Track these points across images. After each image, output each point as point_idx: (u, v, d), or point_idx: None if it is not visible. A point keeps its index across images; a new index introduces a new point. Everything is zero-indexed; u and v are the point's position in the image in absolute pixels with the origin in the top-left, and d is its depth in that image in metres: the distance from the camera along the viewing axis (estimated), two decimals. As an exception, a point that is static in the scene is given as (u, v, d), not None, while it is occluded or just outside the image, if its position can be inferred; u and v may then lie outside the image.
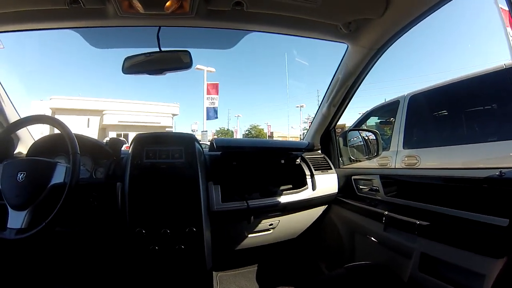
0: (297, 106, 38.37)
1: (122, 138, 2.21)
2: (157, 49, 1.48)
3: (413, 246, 1.31)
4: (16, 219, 1.17)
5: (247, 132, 44.32)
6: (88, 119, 23.87)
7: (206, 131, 19.18)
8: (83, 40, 1.55)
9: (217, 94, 19.12)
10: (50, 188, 1.22)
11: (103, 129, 23.81)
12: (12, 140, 1.65)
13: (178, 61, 1.50)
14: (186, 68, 1.50)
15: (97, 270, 1.80)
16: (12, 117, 1.69)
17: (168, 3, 1.18)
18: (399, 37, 1.44)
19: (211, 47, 1.98)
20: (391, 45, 1.51)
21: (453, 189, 1.29)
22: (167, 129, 24.07)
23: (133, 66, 1.51)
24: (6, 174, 1.23)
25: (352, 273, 1.28)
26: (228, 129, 45.86)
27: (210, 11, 1.29)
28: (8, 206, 1.18)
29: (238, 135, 40.05)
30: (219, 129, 44.90)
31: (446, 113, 4.02)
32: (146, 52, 1.49)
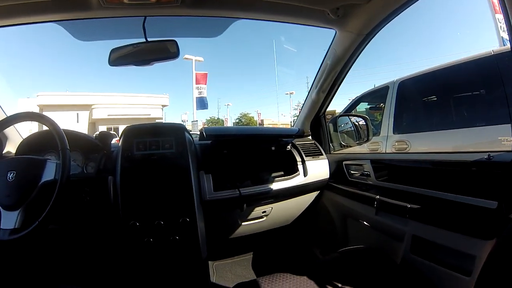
0: (287, 93, 38.47)
1: (112, 132, 2.19)
2: (144, 40, 1.45)
3: (404, 229, 1.32)
4: (9, 220, 1.16)
5: (237, 121, 44.33)
6: (77, 114, 23.62)
7: (197, 120, 19.18)
8: (68, 33, 1.52)
9: (206, 84, 19.02)
10: (41, 186, 1.21)
11: (93, 124, 23.59)
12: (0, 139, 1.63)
13: (165, 51, 1.48)
14: (173, 58, 1.48)
15: (93, 265, 1.80)
16: (-2, 117, 1.65)
17: (153, -8, 1.16)
18: (388, 22, 1.43)
19: (198, 36, 1.95)
20: (379, 30, 1.50)
21: (443, 173, 1.31)
22: (157, 121, 23.91)
23: (119, 58, 1.48)
24: None
25: (346, 257, 1.30)
26: (218, 118, 45.82)
27: None
28: (0, 207, 1.17)
29: (229, 124, 40.03)
30: (209, 118, 44.87)
31: (435, 99, 4.07)
32: (132, 43, 1.46)
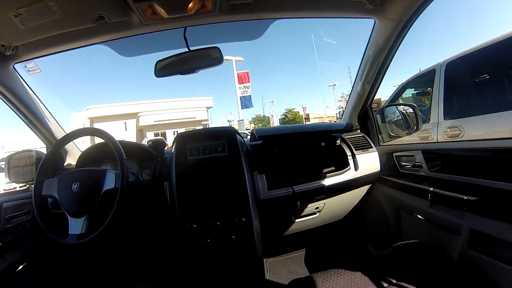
0: (330, 85, 37.75)
1: (160, 137, 2.29)
2: (186, 49, 1.50)
3: (461, 223, 1.25)
4: (76, 226, 1.28)
5: (283, 117, 44.22)
6: (125, 122, 24.81)
7: (242, 120, 19.34)
8: (113, 51, 1.61)
9: (249, 82, 19.09)
10: (103, 194, 1.32)
11: (141, 131, 24.66)
12: (61, 154, 1.77)
13: (209, 58, 1.52)
14: (217, 63, 1.53)
15: (154, 265, 1.90)
16: (58, 133, 1.79)
17: (190, 5, 1.19)
18: (428, 5, 1.35)
19: (239, 40, 1.96)
20: (420, 15, 1.43)
21: (501, 161, 1.22)
22: (203, 123, 24.53)
23: (164, 69, 1.55)
24: (62, 185, 1.34)
25: (400, 252, 1.26)
26: (264, 115, 45.84)
27: (232, 6, 1.30)
28: (67, 215, 1.29)
29: (275, 120, 39.95)
30: (255, 116, 45.00)
31: (488, 77, 3.77)
32: (175, 53, 1.52)
